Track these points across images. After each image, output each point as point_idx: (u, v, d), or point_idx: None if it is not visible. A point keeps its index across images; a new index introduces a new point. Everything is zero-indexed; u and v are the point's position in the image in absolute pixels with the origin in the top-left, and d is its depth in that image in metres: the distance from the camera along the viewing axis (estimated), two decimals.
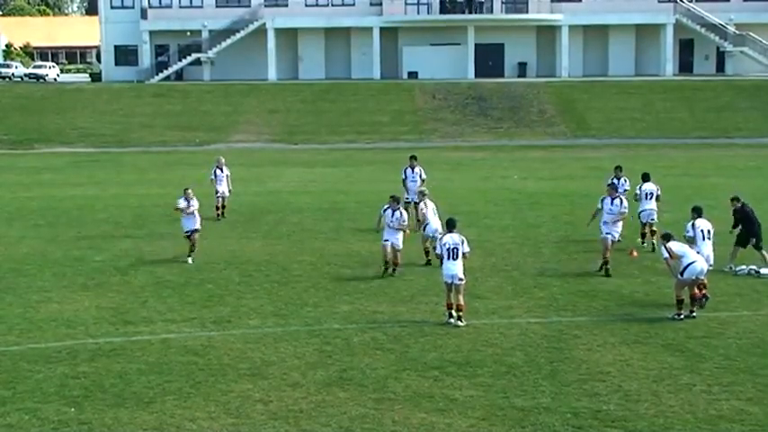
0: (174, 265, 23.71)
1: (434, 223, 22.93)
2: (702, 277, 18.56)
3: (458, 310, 17.94)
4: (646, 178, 25.26)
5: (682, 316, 18.18)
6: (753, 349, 16.21)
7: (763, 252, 22.15)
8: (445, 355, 16.05)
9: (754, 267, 21.94)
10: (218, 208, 30.84)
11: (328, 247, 25.77)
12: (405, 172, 28.63)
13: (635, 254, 23.99)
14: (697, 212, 20.34)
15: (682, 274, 18.23)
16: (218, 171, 31.05)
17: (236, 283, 21.72)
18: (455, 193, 36.50)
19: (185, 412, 13.54)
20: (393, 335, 17.25)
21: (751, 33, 78.00)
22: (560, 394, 14.09)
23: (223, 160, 31.56)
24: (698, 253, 18.88)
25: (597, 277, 21.92)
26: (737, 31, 78.14)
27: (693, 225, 19.99)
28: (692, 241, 19.66)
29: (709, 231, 19.86)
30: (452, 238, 18.07)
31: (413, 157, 29.18)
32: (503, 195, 36.57)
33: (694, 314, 18.28)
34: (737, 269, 22.02)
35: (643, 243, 25.07)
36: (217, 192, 30.97)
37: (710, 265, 19.39)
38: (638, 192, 25.20)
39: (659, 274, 21.03)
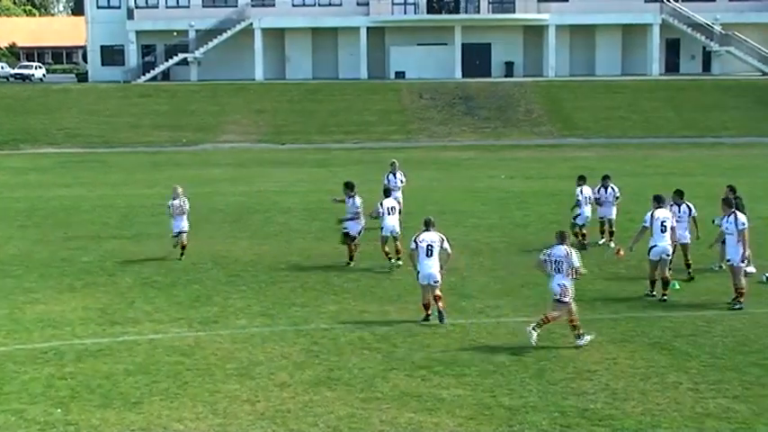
0: (162, 265, 23.66)
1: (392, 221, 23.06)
2: (667, 257, 19.38)
3: (437, 300, 17.99)
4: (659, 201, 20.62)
5: (655, 294, 19.51)
6: (739, 347, 16.26)
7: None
8: (433, 354, 16.05)
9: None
10: (175, 246, 24.59)
11: (316, 247, 25.77)
12: (387, 178, 28.77)
13: (621, 253, 23.99)
14: (658, 201, 19.96)
15: (648, 254, 19.44)
16: (175, 202, 24.66)
17: (223, 283, 21.69)
18: (442, 192, 36.54)
19: (172, 413, 13.52)
20: (380, 334, 17.25)
21: (737, 33, 78.30)
22: (547, 393, 14.11)
23: (180, 190, 24.97)
24: (654, 246, 19.36)
25: (584, 276, 21.90)
26: (723, 31, 78.41)
27: (652, 215, 19.67)
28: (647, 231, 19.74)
29: (663, 223, 19.45)
30: (429, 237, 18.10)
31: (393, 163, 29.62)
32: (490, 195, 36.61)
33: (665, 298, 19.32)
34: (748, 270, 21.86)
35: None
36: (174, 229, 24.61)
37: (668, 255, 19.48)
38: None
39: (646, 273, 21.09)
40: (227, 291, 20.87)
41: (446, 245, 18.10)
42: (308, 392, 14.25)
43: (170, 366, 15.49)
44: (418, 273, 18.11)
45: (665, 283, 19.46)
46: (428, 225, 18.31)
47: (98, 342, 16.96)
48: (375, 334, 17.28)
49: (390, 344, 16.65)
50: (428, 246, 17.92)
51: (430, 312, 18.12)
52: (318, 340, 16.91)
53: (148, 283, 21.61)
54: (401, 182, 28.98)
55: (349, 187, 23.59)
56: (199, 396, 14.16)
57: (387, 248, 23.07)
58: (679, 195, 21.77)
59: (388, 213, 22.96)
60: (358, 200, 23.35)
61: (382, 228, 23.02)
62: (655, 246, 19.43)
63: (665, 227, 19.35)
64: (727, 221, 19.27)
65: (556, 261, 16.58)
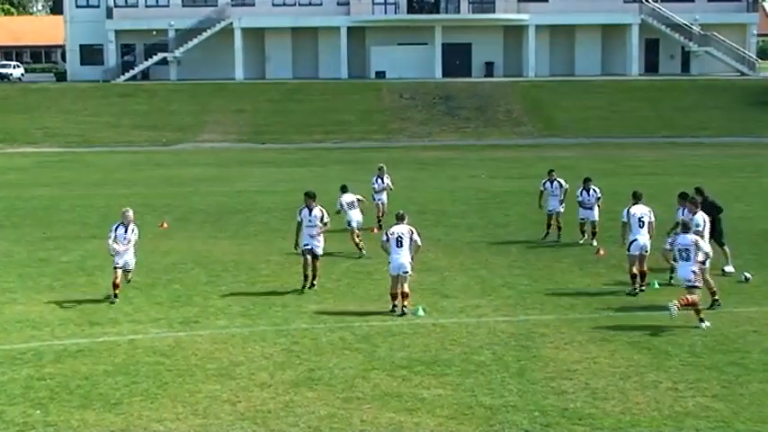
0: (141, 265, 23.50)
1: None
2: (646, 253, 20.02)
3: (404, 297, 18.65)
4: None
5: (636, 290, 19.98)
6: (717, 346, 16.33)
7: (725, 248, 22.27)
8: (413, 354, 16.06)
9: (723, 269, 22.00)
10: (116, 286, 19.88)
11: None
12: (375, 181, 28.86)
13: (601, 252, 24.16)
14: (635, 198, 20.67)
15: (628, 249, 20.10)
16: (122, 230, 20.25)
17: (203, 283, 21.63)
18: (423, 192, 36.55)
19: (152, 413, 13.47)
20: (361, 334, 17.25)
21: (715, 33, 78.67)
22: (528, 392, 14.13)
23: (131, 213, 20.48)
24: (634, 241, 20.00)
25: (564, 276, 22.04)
26: (702, 32, 78.75)
27: (628, 211, 20.37)
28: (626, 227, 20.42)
29: (641, 219, 20.12)
30: (399, 229, 18.81)
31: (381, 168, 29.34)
32: (470, 195, 36.66)
33: (643, 289, 20.09)
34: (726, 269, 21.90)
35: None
36: (117, 264, 20.03)
37: (647, 252, 20.11)
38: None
39: (626, 272, 21.18)
40: (208, 291, 20.81)
41: (416, 236, 18.86)
42: (288, 393, 14.23)
43: (150, 367, 15.44)
44: (389, 263, 18.81)
45: (643, 276, 20.17)
46: (399, 219, 19.16)
47: (77, 343, 16.88)
48: (355, 334, 17.27)
49: (371, 344, 16.65)
50: (398, 237, 18.67)
51: (396, 303, 18.70)
52: (299, 340, 16.89)
53: (128, 284, 21.50)
54: (389, 187, 28.90)
55: (311, 197, 21.07)
56: (179, 396, 14.12)
57: (356, 239, 24.40)
58: (684, 198, 21.22)
59: (350, 208, 24.54)
60: (318, 211, 20.91)
61: (349, 222, 24.65)
62: (635, 240, 20.05)
63: (643, 222, 20.09)
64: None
65: (683, 249, 17.54)
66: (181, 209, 32.67)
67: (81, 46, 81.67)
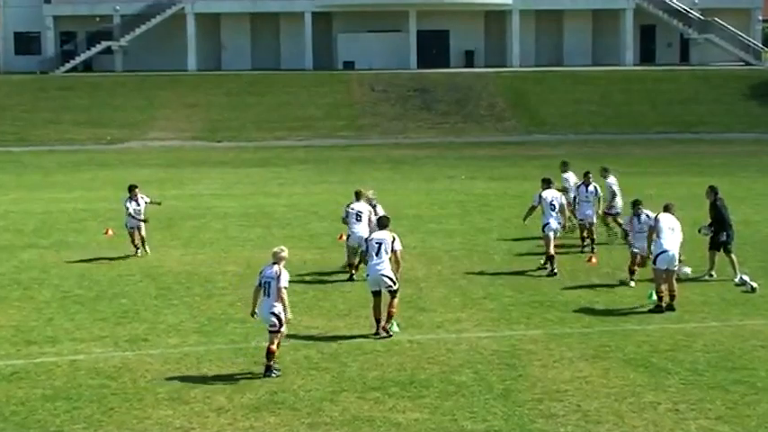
0: (84, 277, 23.45)
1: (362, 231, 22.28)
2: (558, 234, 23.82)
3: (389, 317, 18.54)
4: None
5: (556, 271, 22.93)
6: (722, 363, 16.42)
7: (732, 256, 22.41)
8: (387, 374, 16.05)
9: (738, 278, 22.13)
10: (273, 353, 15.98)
11: (256, 257, 25.60)
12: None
13: (594, 261, 24.24)
14: (545, 183, 24.03)
15: (543, 230, 23.43)
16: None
17: (153, 297, 21.54)
18: (397, 194, 36.55)
19: None
20: (329, 353, 17.23)
21: (717, 19, 79.15)
22: (514, 416, 14.15)
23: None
24: (547, 224, 23.19)
25: (552, 287, 22.09)
26: (702, 17, 79.22)
27: (540, 196, 23.70)
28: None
29: (551, 202, 23.39)
30: (380, 235, 18.79)
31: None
32: (449, 197, 36.74)
33: (555, 272, 22.86)
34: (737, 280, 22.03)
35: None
36: (278, 328, 16.13)
37: (558, 233, 23.75)
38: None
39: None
40: (158, 305, 20.73)
41: (397, 243, 18.72)
42: (248, 418, 14.19)
43: (93, 390, 15.35)
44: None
45: (551, 259, 23.06)
46: (382, 225, 19.53)
47: (12, 364, 16.76)
48: (323, 352, 17.25)
49: (340, 363, 16.63)
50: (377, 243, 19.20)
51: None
52: (259, 360, 16.82)
53: (69, 298, 21.40)
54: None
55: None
56: (126, 423, 14.04)
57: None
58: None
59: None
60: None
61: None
62: (547, 223, 23.21)
63: (554, 205, 23.37)
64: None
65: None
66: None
67: (16, 34, 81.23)
